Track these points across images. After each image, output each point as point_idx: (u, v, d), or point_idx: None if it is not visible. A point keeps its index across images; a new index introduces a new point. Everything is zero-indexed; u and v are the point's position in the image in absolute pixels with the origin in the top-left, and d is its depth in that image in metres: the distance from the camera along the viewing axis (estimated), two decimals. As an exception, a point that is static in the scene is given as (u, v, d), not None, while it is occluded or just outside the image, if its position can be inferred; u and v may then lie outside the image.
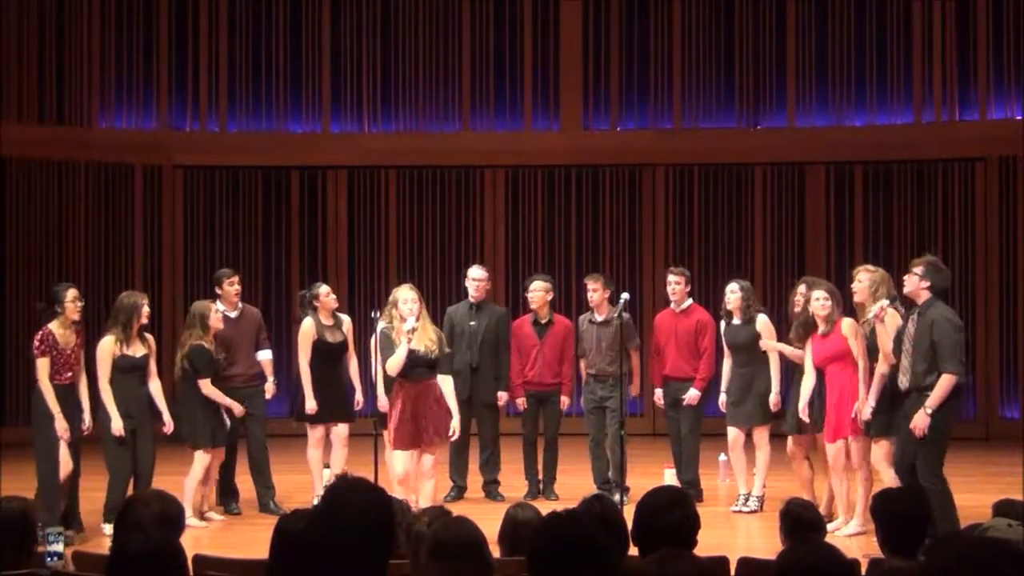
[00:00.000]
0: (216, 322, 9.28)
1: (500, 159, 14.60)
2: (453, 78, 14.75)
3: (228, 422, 9.35)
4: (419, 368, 8.91)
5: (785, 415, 9.34)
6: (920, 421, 7.84)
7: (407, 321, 8.87)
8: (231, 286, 9.82)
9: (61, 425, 8.51)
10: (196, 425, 9.14)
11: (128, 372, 8.88)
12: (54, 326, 8.68)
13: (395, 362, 8.89)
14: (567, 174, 14.69)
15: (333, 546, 3.27)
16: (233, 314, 9.80)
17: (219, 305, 9.75)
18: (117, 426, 8.72)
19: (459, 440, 10.20)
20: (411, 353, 8.88)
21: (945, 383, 7.84)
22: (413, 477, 9.06)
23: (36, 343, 8.64)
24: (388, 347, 8.93)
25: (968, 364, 13.49)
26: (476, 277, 10.34)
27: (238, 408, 9.26)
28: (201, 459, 9.15)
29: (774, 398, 9.44)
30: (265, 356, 9.91)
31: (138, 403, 8.90)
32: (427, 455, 8.97)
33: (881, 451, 8.38)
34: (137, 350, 8.91)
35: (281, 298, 14.30)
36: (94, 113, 14.37)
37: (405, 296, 8.99)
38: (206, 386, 9.16)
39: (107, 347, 8.87)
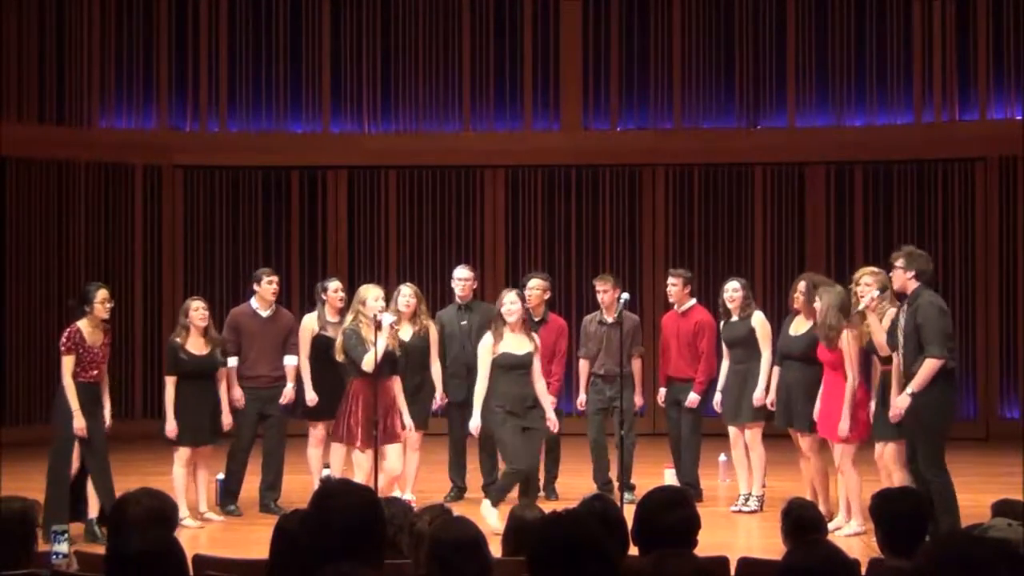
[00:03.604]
0: (195, 320, 9.26)
1: (500, 159, 14.61)
2: (453, 78, 14.75)
3: (227, 419, 9.35)
4: (385, 365, 8.89)
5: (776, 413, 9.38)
6: (900, 402, 7.84)
7: (384, 316, 8.84)
8: (269, 284, 9.84)
9: (79, 423, 8.54)
10: (168, 421, 9.15)
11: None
12: (82, 324, 8.72)
13: (372, 359, 8.77)
14: (567, 174, 14.69)
15: (323, 547, 3.28)
16: (265, 313, 9.81)
17: (252, 303, 9.77)
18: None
19: (459, 440, 10.21)
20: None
21: (928, 367, 7.80)
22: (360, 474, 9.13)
23: (63, 340, 8.68)
24: (359, 344, 8.84)
25: (968, 364, 13.63)
26: (462, 277, 10.32)
27: (170, 428, 9.13)
28: (177, 457, 9.17)
29: (758, 394, 9.45)
30: (290, 361, 9.88)
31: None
32: (390, 455, 8.90)
33: (891, 453, 8.36)
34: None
35: (281, 298, 14.18)
36: (94, 113, 14.38)
37: (376, 294, 8.97)
38: (167, 384, 9.20)
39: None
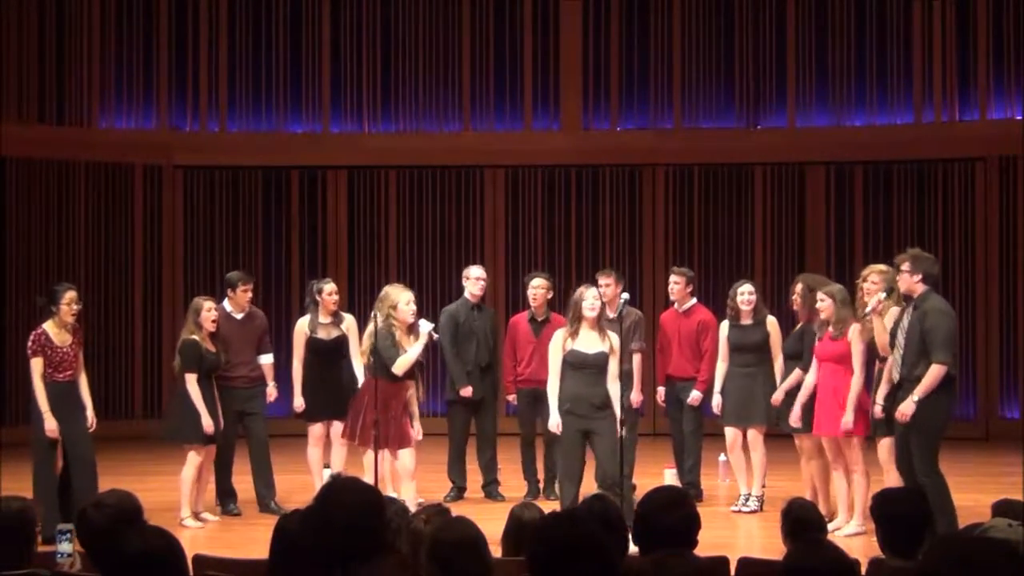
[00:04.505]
0: (207, 321, 9.26)
1: (500, 159, 14.61)
2: (453, 78, 14.75)
3: (222, 422, 9.34)
4: (410, 369, 8.87)
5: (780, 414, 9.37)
6: (906, 408, 7.83)
7: (422, 323, 8.83)
8: (244, 293, 9.82)
9: (50, 424, 8.56)
10: (187, 422, 9.13)
11: None
12: (48, 326, 8.74)
13: (407, 362, 8.74)
14: (567, 174, 14.69)
15: (322, 544, 3.27)
16: (239, 316, 9.81)
17: (226, 306, 9.78)
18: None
19: (459, 440, 10.21)
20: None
21: (935, 372, 7.81)
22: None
23: (30, 343, 8.73)
24: (392, 346, 8.82)
25: (968, 364, 13.62)
26: (480, 276, 10.35)
27: (207, 423, 9.10)
28: (192, 456, 9.14)
29: (778, 395, 9.36)
30: (267, 360, 9.90)
31: None
32: (403, 456, 8.89)
33: (888, 450, 8.37)
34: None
35: (281, 298, 14.29)
36: (94, 113, 14.38)
37: (408, 297, 8.93)
38: (191, 382, 9.13)
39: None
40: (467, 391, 10.12)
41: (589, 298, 8.53)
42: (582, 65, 14.66)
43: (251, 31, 14.68)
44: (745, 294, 9.68)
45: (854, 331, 8.61)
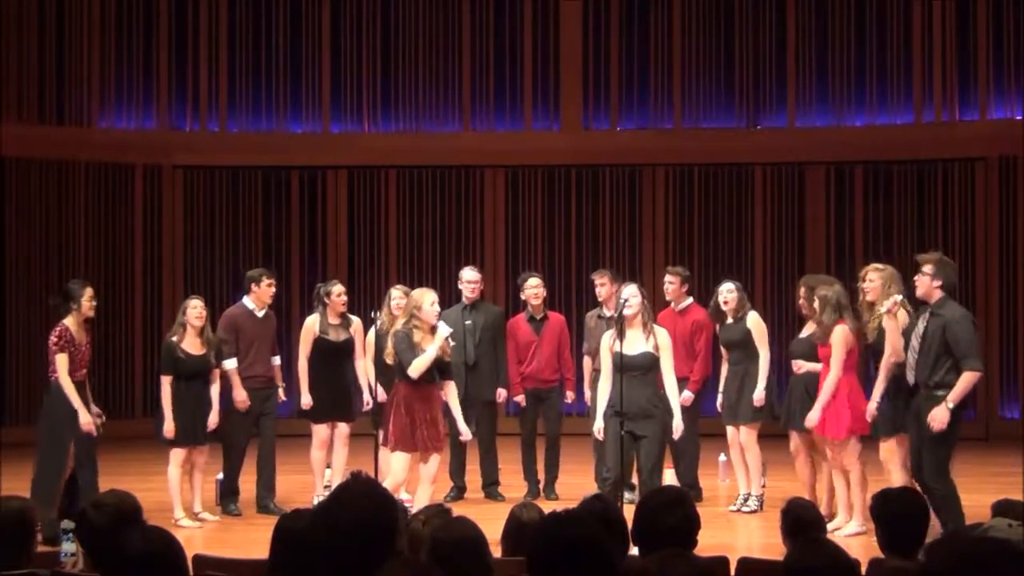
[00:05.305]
0: (192, 318, 9.22)
1: (500, 159, 14.61)
2: (453, 78, 14.75)
3: (211, 423, 9.30)
4: (431, 372, 8.80)
5: (780, 414, 9.37)
6: (940, 415, 7.71)
7: (441, 326, 8.66)
8: (269, 287, 9.76)
9: (86, 419, 8.49)
10: (160, 424, 9.12)
11: None
12: (69, 322, 8.66)
13: (422, 364, 8.51)
14: (567, 174, 14.70)
15: (327, 544, 3.25)
16: (260, 314, 9.77)
17: (247, 303, 9.73)
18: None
19: (458, 440, 10.20)
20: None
21: (968, 379, 7.75)
22: (408, 481, 9.02)
23: (54, 339, 8.58)
24: (409, 349, 8.63)
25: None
26: (470, 280, 10.33)
27: (167, 428, 9.03)
28: (173, 457, 9.14)
29: (758, 394, 9.45)
30: (275, 361, 9.90)
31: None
32: (431, 461, 8.85)
33: (889, 450, 8.36)
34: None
35: (281, 298, 14.19)
36: (94, 113, 14.38)
37: (432, 299, 8.79)
38: (164, 383, 9.11)
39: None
40: None
41: (625, 295, 8.49)
42: (582, 65, 14.67)
43: (251, 31, 14.69)
44: (723, 292, 9.69)
45: (837, 333, 8.57)
